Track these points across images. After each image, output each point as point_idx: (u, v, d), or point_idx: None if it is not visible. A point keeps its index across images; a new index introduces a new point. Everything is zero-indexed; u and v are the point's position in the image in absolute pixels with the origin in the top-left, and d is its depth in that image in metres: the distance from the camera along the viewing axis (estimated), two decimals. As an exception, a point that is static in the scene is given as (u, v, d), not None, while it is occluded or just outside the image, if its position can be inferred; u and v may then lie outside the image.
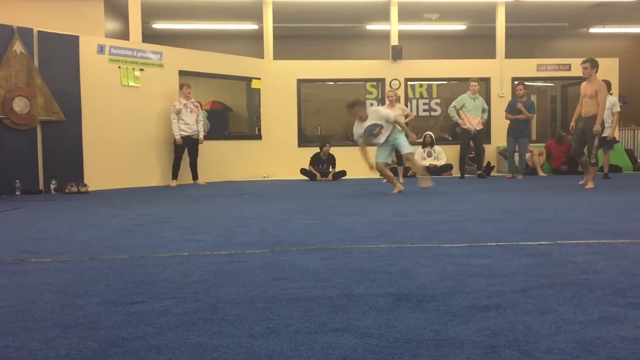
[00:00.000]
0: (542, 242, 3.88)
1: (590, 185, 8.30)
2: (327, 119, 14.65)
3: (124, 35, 11.56)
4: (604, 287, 2.71)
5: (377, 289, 2.77)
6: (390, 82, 12.54)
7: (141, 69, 10.00)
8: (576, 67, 12.85)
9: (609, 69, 12.73)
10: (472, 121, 10.77)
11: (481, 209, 6.08)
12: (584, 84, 8.49)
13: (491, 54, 12.87)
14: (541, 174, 11.30)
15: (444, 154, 12.27)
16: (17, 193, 8.42)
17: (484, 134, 12.57)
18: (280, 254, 3.66)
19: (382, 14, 12.79)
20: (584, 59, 8.47)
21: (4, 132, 8.42)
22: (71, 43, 9.13)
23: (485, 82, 12.82)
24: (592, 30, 15.32)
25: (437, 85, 13.11)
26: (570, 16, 13.93)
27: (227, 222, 5.29)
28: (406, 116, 10.35)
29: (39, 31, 8.81)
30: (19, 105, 8.48)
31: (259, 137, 12.06)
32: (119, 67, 9.70)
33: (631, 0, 12.37)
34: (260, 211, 6.11)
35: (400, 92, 12.49)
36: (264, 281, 2.95)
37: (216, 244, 4.10)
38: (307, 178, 11.16)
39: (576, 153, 8.56)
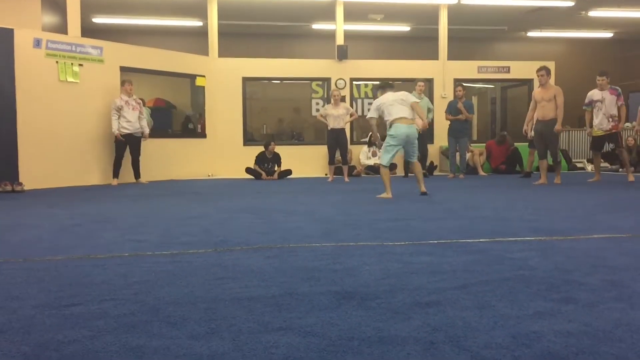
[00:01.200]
0: (481, 240, 3.98)
1: (557, 180, 8.92)
2: (273, 118, 14.61)
3: (62, 29, 11.17)
4: (538, 282, 2.80)
5: (320, 287, 2.78)
6: (336, 81, 12.61)
7: (80, 64, 9.69)
8: (515, 70, 13.32)
9: (545, 72, 13.21)
10: (418, 121, 10.94)
11: (424, 208, 6.19)
12: (538, 90, 9.01)
13: (434, 56, 13.12)
14: (481, 173, 11.61)
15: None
16: (-53, 192, 8.03)
17: (428, 133, 12.83)
18: (223, 254, 3.63)
19: (328, 14, 12.85)
20: (540, 66, 8.97)
21: None
22: (5, 36, 8.75)
23: (428, 83, 13.05)
24: (530, 34, 15.84)
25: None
26: (509, 20, 14.37)
27: (170, 221, 5.20)
28: (350, 115, 10.47)
29: (-30, 23, 8.43)
30: (-51, 100, 8.08)
31: (203, 135, 11.90)
32: (57, 62, 9.37)
33: (565, 6, 12.86)
34: (204, 210, 6.04)
35: (346, 92, 12.58)
36: (206, 281, 2.91)
37: (158, 244, 4.02)
38: (253, 177, 11.09)
39: (541, 155, 9.02)
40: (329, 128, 10.44)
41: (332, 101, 10.57)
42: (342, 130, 10.40)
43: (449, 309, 2.39)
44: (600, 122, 9.17)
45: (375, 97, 7.76)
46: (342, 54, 12.58)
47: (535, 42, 16.30)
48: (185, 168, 11.29)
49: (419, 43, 14.90)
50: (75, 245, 4.01)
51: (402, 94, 7.31)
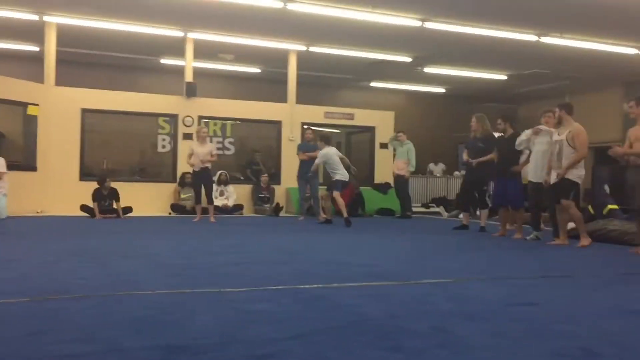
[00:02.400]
0: (319, 285, 3.98)
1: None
2: (115, 152, 13.86)
3: None
4: (371, 330, 2.83)
5: (148, 341, 2.58)
6: (184, 118, 12.33)
7: None
8: (359, 117, 13.99)
9: (386, 120, 14.05)
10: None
11: (267, 251, 6.14)
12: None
13: (283, 98, 13.38)
14: (323, 216, 11.56)
15: (235, 194, 12.31)
16: None
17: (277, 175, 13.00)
18: (41, 304, 3.26)
19: (177, 50, 12.61)
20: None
21: None
22: None
23: (276, 125, 13.25)
24: (373, 84, 16.79)
25: (231, 124, 13.21)
26: (354, 70, 15.12)
27: (-18, 265, 4.62)
28: (211, 155, 10.12)
29: None
30: None
31: (33, 168, 10.93)
32: None
33: (404, 62, 13.83)
34: (25, 253, 5.47)
35: (193, 130, 12.30)
36: (18, 336, 2.58)
37: (-38, 293, 3.52)
38: (88, 215, 10.37)
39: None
40: (193, 168, 10.09)
41: (196, 139, 10.31)
42: (207, 169, 10.09)
43: (282, 363, 2.31)
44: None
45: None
46: (191, 91, 12.37)
47: (378, 92, 17.29)
48: (10, 203, 10.21)
49: (269, 85, 15.11)
50: None
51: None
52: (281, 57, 13.23)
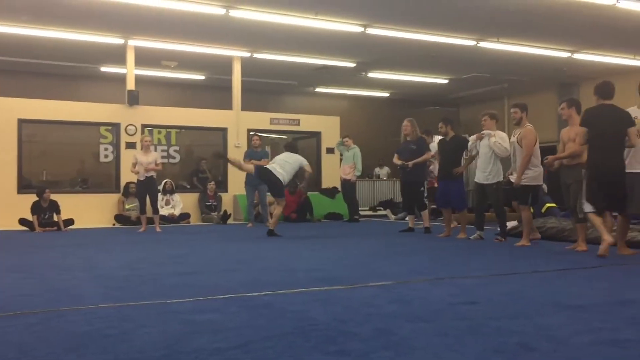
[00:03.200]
0: (266, 293, 3.98)
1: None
2: (55, 163, 13.46)
3: None
4: (317, 335, 2.85)
5: (90, 357, 2.53)
6: (126, 127, 12.09)
7: None
8: (304, 122, 14.05)
9: (331, 125, 14.16)
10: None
11: (215, 260, 6.09)
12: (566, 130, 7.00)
13: (229, 105, 13.29)
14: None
15: (182, 203, 12.15)
16: None
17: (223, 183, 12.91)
18: (-25, 324, 3.14)
19: (118, 57, 12.36)
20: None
21: None
22: None
23: (222, 132, 13.15)
24: (318, 89, 16.88)
25: (176, 132, 13.04)
26: (299, 76, 15.17)
27: None
28: (156, 164, 9.93)
29: None
30: None
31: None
32: None
33: (348, 67, 13.98)
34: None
35: (136, 139, 12.08)
36: (-54, 360, 2.47)
37: None
38: (27, 228, 10.02)
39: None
40: (138, 177, 9.89)
41: (140, 148, 10.10)
42: (151, 178, 9.90)
43: (227, 372, 2.31)
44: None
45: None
46: (133, 100, 12.14)
47: (323, 98, 17.40)
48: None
49: (214, 92, 15.00)
50: None
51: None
52: (225, 64, 13.15)
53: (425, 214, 9.13)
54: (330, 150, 13.80)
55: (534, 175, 7.03)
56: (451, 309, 3.46)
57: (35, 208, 10.02)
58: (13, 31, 10.81)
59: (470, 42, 11.77)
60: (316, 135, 14.21)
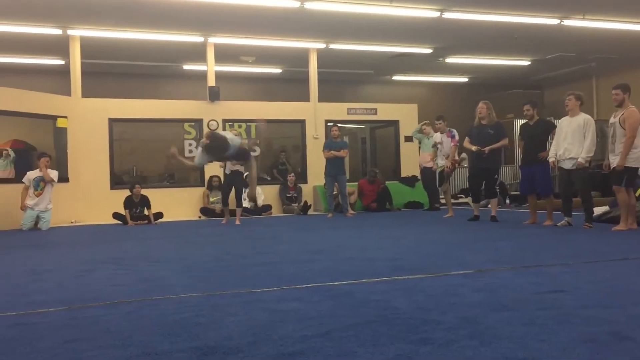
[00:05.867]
0: (347, 282, 4.02)
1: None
2: (144, 159, 14.11)
3: None
4: (400, 324, 2.85)
5: (181, 344, 2.64)
6: (209, 122, 12.48)
7: None
8: (382, 111, 13.96)
9: (409, 113, 13.99)
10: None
11: (295, 250, 6.20)
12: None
13: (306, 97, 13.43)
14: (351, 212, 11.54)
15: (263, 195, 12.41)
16: None
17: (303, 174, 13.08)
18: (77, 312, 3.36)
19: (199, 55, 12.76)
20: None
21: None
22: None
23: (300, 124, 13.31)
24: (395, 77, 16.73)
25: (255, 126, 13.31)
26: (375, 64, 15.08)
27: (19, 277, 4.76)
28: None
29: None
30: None
31: (65, 179, 11.17)
32: None
33: (425, 53, 13.75)
34: (60, 262, 5.62)
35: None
36: (54, 345, 2.66)
37: (2, 304, 3.64)
38: (120, 222, 10.57)
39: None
40: (224, 171, 10.24)
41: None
42: (237, 171, 10.18)
43: (312, 359, 2.35)
44: (441, 160, 10.38)
45: None
46: (214, 95, 12.51)
47: (400, 86, 17.22)
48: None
49: (291, 85, 15.19)
50: None
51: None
52: (301, 56, 13.28)
53: (494, 202, 8.87)
54: (408, 139, 13.66)
55: (635, 156, 6.74)
56: (537, 298, 3.36)
57: (128, 203, 10.55)
58: (100, 35, 11.41)
59: (554, 21, 11.28)
60: (394, 123, 14.10)
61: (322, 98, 13.43)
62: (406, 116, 13.97)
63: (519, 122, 10.81)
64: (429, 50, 13.58)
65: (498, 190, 9.39)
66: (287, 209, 12.52)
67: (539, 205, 8.52)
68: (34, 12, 10.11)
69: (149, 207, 10.70)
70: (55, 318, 3.21)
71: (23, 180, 10.03)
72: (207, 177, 12.23)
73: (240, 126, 13.04)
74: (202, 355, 2.45)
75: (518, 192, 9.71)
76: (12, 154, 12.19)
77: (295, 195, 12.68)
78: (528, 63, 15.25)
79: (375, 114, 13.95)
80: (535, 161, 7.98)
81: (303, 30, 11.81)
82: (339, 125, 11.86)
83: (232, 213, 10.35)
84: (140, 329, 2.91)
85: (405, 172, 13.71)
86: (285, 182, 12.86)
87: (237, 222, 10.00)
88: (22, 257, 6.17)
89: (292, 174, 12.90)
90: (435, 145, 10.62)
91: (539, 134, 8.11)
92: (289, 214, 12.24)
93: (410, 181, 13.30)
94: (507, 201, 12.87)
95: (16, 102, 10.40)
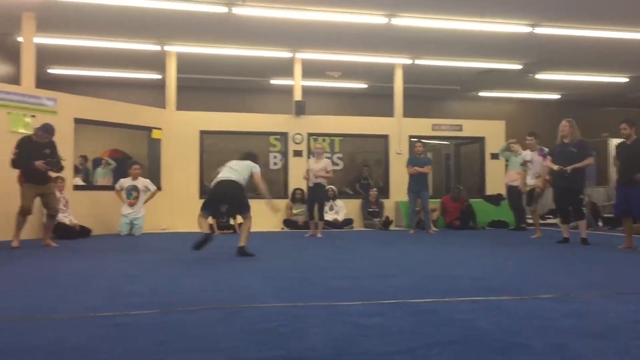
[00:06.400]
0: (431, 300, 3.97)
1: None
2: (230, 171, 14.53)
3: (15, 79, 11.02)
4: (485, 345, 2.79)
5: (267, 352, 2.71)
6: (294, 136, 12.72)
7: (33, 116, 9.53)
8: (467, 128, 13.72)
9: (496, 130, 13.67)
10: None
11: (376, 264, 6.19)
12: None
13: (390, 113, 13.42)
14: (433, 229, 11.37)
15: (345, 208, 12.48)
16: None
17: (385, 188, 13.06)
18: (169, 315, 3.51)
19: (286, 70, 13.07)
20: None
21: None
22: (-45, 86, 8.58)
23: (384, 139, 13.30)
24: (482, 93, 16.40)
25: (339, 140, 13.44)
26: (462, 80, 14.88)
27: (115, 279, 5.04)
28: (326, 172, 10.31)
29: None
30: None
31: (158, 187, 11.71)
32: (8, 112, 9.20)
33: (514, 69, 13.41)
34: (153, 267, 5.89)
35: (303, 147, 12.70)
36: (147, 346, 2.80)
37: (100, 304, 3.87)
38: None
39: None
40: (308, 183, 10.44)
41: (313, 155, 10.64)
42: (319, 184, 10.28)
43: (394, 375, 2.35)
44: (530, 179, 9.97)
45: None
46: (300, 109, 12.75)
47: (487, 102, 16.87)
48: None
49: (376, 100, 15.23)
50: (11, 306, 3.83)
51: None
52: (387, 72, 13.31)
53: (582, 224, 8.45)
54: (494, 156, 13.33)
55: None
56: (633, 327, 3.19)
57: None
58: (194, 51, 11.94)
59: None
60: (479, 140, 13.82)
61: (406, 113, 13.38)
62: (493, 133, 13.65)
63: (614, 142, 10.28)
64: (519, 66, 13.25)
65: (587, 211, 8.92)
66: (368, 223, 12.51)
67: (635, 228, 8.06)
68: (135, 29, 10.74)
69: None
70: (149, 320, 3.38)
71: (115, 186, 10.60)
72: (290, 189, 12.45)
73: (324, 140, 13.21)
74: (286, 365, 2.50)
75: (612, 215, 9.19)
76: (112, 162, 12.96)
77: (377, 210, 12.67)
78: (626, 80, 14.54)
79: (461, 130, 13.73)
80: (631, 182, 7.57)
81: (389, 45, 11.84)
82: (423, 141, 11.76)
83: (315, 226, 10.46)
84: (227, 335, 3.01)
85: (490, 190, 13.37)
86: (367, 197, 12.87)
87: (320, 235, 10.09)
88: (118, 261, 6.51)
89: (375, 189, 12.90)
90: (524, 164, 10.26)
91: (637, 154, 7.70)
92: (370, 229, 12.22)
93: (496, 199, 12.95)
94: (600, 223, 12.26)
95: (116, 113, 11.04)
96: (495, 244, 8.91)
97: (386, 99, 13.72)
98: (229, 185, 6.93)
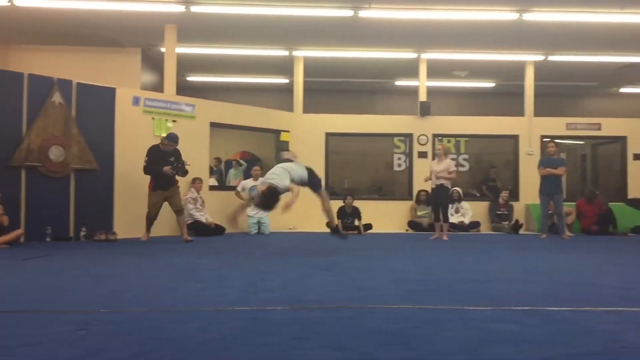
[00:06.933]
0: (567, 308, 3.77)
1: None
2: (354, 172, 14.72)
3: (158, 86, 11.92)
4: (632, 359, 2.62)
5: (397, 353, 2.72)
6: (418, 137, 12.60)
7: (174, 120, 10.25)
8: (606, 127, 12.83)
9: (639, 128, 12.66)
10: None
11: (506, 269, 5.97)
12: None
13: (520, 112, 12.89)
14: (567, 234, 10.73)
15: (471, 211, 12.15)
16: (47, 239, 8.56)
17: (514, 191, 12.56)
18: (300, 312, 3.63)
19: (411, 71, 12.98)
20: None
21: (39, 180, 8.63)
22: (108, 95, 9.44)
23: (513, 140, 12.80)
24: (623, 90, 15.26)
25: (465, 141, 13.11)
26: (600, 76, 13.93)
27: (249, 275, 5.29)
28: (449, 173, 10.09)
29: (77, 83, 9.13)
30: (55, 153, 8.73)
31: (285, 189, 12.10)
32: (153, 118, 9.96)
33: (662, 61, 12.36)
34: (282, 265, 6.10)
35: (428, 148, 12.54)
36: (282, 341, 2.92)
37: (236, 298, 4.08)
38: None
39: None
40: (432, 185, 10.31)
41: (435, 158, 10.49)
42: (441, 186, 10.02)
43: (531, 385, 2.27)
44: None
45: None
46: (425, 110, 12.61)
47: (628, 99, 15.66)
48: (270, 220, 11.46)
49: (504, 99, 14.68)
50: (158, 297, 4.15)
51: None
52: (517, 69, 12.79)
53: None
54: (637, 157, 12.36)
55: None
56: None
57: (340, 213, 11.09)
58: (322, 54, 12.22)
59: None
60: (621, 140, 12.86)
61: (538, 112, 12.77)
62: (636, 132, 12.66)
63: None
64: (667, 59, 12.18)
65: None
66: (496, 226, 12.09)
67: None
68: (266, 36, 11.19)
69: (359, 218, 11.12)
70: (282, 316, 3.52)
71: (237, 188, 11.08)
72: (415, 191, 12.34)
73: (449, 141, 12.95)
74: (417, 367, 2.49)
75: None
76: (243, 163, 13.60)
77: (506, 212, 12.21)
78: None
79: (599, 129, 12.86)
80: None
81: (520, 42, 11.37)
82: (556, 141, 11.15)
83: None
84: (357, 335, 3.05)
85: (633, 193, 12.40)
86: (495, 199, 12.44)
87: (445, 238, 9.91)
88: (251, 258, 6.81)
89: (507, 191, 12.43)
90: None
91: None
92: (498, 232, 11.81)
93: (639, 203, 12.00)
94: None
95: (247, 117, 11.58)
96: (637, 250, 8.25)
97: (515, 98, 13.20)
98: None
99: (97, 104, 9.28)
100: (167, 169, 8.86)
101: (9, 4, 9.30)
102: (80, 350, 2.74)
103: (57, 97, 8.82)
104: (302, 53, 12.34)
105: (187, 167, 9.19)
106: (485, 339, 2.99)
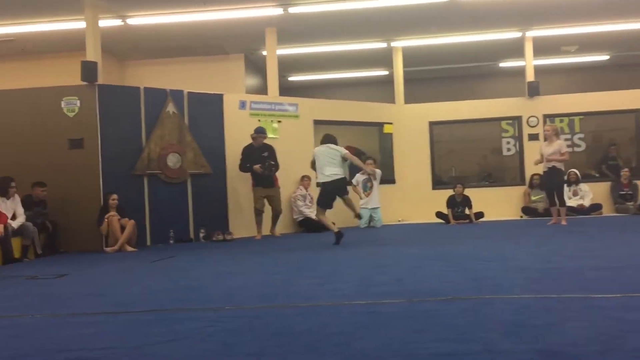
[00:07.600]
0: None
1: None
2: (461, 160, 14.36)
3: (262, 89, 12.28)
4: None
5: (523, 345, 2.64)
6: (528, 119, 12.09)
7: (279, 121, 10.52)
8: None
9: None
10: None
11: (636, 254, 5.60)
12: None
13: (639, 84, 12.00)
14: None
15: (591, 193, 11.49)
16: (171, 242, 9.10)
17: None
18: (417, 304, 3.62)
19: (516, 51, 12.46)
20: None
21: (160, 186, 9.19)
22: (216, 101, 9.86)
23: (635, 114, 11.95)
24: None
25: (579, 119, 12.41)
26: None
27: (363, 269, 5.33)
28: (561, 154, 9.55)
29: (188, 92, 9.61)
30: (172, 160, 9.26)
31: (392, 181, 12.07)
32: (259, 120, 10.28)
33: None
34: (396, 257, 6.09)
35: (539, 130, 11.95)
36: (402, 334, 2.92)
37: (353, 292, 4.13)
38: (442, 221, 10.96)
39: None
40: (544, 168, 9.84)
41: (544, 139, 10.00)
42: (553, 168, 9.42)
43: (675, 377, 2.13)
44: None
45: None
46: (533, 91, 12.07)
47: None
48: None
49: (621, 72, 13.73)
50: (278, 294, 4.28)
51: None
52: (635, 38, 11.90)
53: None
54: None
55: None
56: None
57: (450, 202, 10.90)
58: (421, 43, 12.04)
59: None
60: None
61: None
62: None
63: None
64: None
65: None
66: (620, 208, 11.35)
67: None
68: (363, 30, 11.21)
69: (470, 207, 10.87)
70: (398, 309, 3.52)
71: (352, 181, 11.15)
72: (527, 176, 11.86)
73: (561, 121, 12.31)
74: (546, 359, 2.41)
75: None
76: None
77: (630, 192, 11.42)
78: None
79: None
80: None
81: (638, 7, 10.56)
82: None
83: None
84: (479, 326, 2.99)
85: None
86: (617, 179, 11.67)
87: (564, 223, 9.44)
88: (365, 252, 6.87)
89: (627, 169, 11.63)
90: None
91: None
92: (622, 214, 11.09)
93: None
94: None
95: (349, 112, 11.64)
96: None
97: (634, 69, 12.30)
98: (340, 182, 7.89)
99: (207, 111, 9.72)
100: (257, 167, 9.28)
101: (123, 23, 9.96)
102: (212, 345, 2.89)
103: (170, 107, 9.33)
104: (400, 43, 12.22)
105: (273, 165, 9.47)
106: (619, 328, 2.82)
